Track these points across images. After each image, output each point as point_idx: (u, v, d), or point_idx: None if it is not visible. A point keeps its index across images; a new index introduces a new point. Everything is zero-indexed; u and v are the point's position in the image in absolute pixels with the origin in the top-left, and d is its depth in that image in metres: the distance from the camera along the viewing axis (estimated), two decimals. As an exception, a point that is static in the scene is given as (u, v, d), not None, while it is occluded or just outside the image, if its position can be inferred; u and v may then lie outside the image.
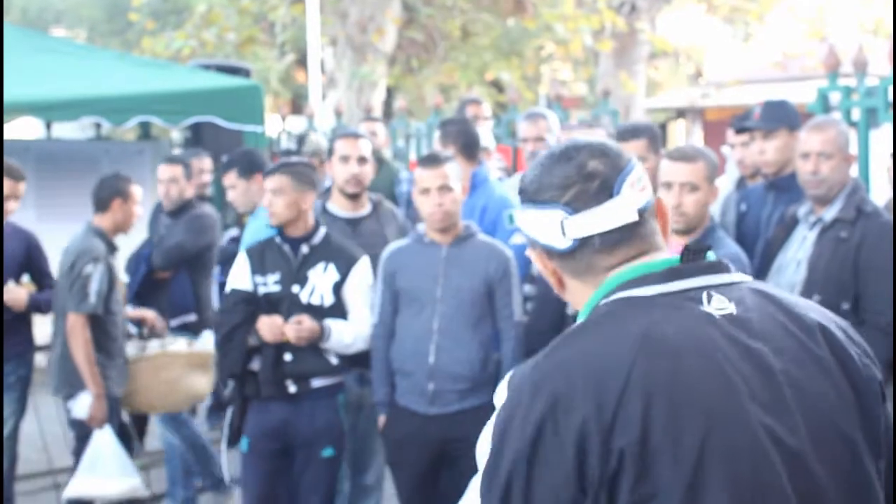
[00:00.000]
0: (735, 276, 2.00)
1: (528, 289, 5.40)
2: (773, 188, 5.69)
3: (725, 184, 6.78)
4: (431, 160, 5.14)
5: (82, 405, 6.10)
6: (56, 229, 8.61)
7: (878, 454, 1.98)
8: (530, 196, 2.06)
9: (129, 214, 6.36)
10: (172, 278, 7.10)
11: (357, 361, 5.43)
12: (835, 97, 6.56)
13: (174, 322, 7.05)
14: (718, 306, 1.92)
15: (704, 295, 1.93)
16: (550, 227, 2.02)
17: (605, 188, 1.99)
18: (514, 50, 17.83)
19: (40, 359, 7.55)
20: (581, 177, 1.99)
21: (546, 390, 1.85)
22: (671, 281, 1.95)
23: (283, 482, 5.49)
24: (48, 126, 11.25)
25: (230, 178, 6.64)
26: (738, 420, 1.81)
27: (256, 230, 6.02)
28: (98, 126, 10.64)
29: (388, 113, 18.47)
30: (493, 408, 5.14)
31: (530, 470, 1.83)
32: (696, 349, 1.85)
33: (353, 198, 5.88)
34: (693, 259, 1.97)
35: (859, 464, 1.93)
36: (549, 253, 2.06)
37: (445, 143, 6.10)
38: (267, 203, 5.34)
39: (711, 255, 2.01)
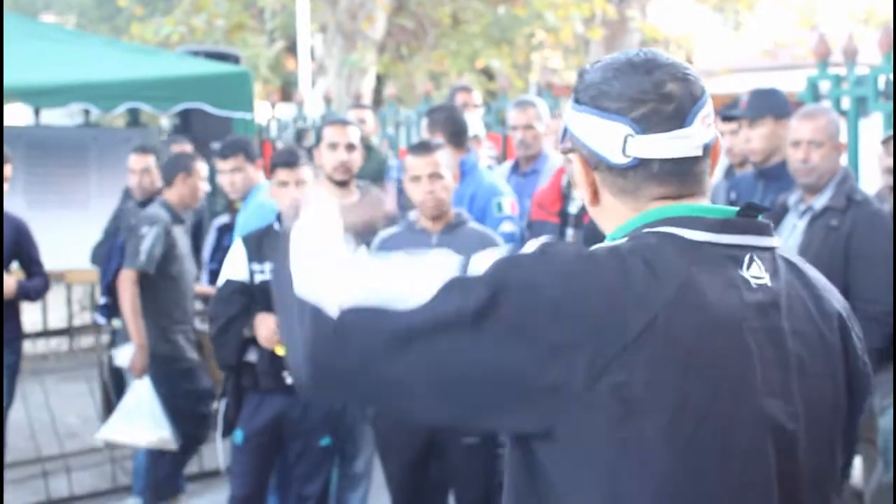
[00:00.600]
0: (774, 240, 1.92)
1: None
2: (763, 177, 5.69)
3: (715, 172, 6.78)
4: (422, 147, 5.13)
5: (125, 354, 6.38)
6: (45, 216, 8.59)
7: (846, 449, 1.99)
8: (591, 99, 1.90)
9: (194, 188, 6.63)
10: None
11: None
12: (824, 86, 6.56)
13: None
14: (756, 274, 1.85)
15: (747, 257, 1.86)
16: (610, 138, 1.88)
17: (678, 114, 1.86)
18: (504, 38, 17.79)
19: (28, 346, 7.55)
20: (657, 95, 1.86)
21: (572, 280, 1.75)
22: (722, 233, 1.85)
23: (271, 473, 5.50)
24: (37, 112, 11.21)
25: (232, 163, 6.55)
26: (745, 396, 1.78)
27: (258, 214, 6.00)
28: (87, 112, 10.61)
29: (377, 100, 18.43)
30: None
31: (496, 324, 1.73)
32: (727, 314, 1.79)
33: (342, 185, 5.86)
34: (750, 214, 1.89)
35: (833, 457, 1.93)
36: (596, 163, 1.92)
37: (433, 130, 6.09)
38: (293, 194, 5.30)
39: (762, 217, 1.93)
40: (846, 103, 6.43)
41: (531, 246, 1.85)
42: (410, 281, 1.81)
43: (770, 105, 5.70)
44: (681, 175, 1.89)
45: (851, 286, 4.81)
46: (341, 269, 1.90)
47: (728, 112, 6.25)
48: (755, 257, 1.87)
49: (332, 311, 1.80)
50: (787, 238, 5.04)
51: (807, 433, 1.86)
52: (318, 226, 2.11)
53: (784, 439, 1.82)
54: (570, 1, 16.32)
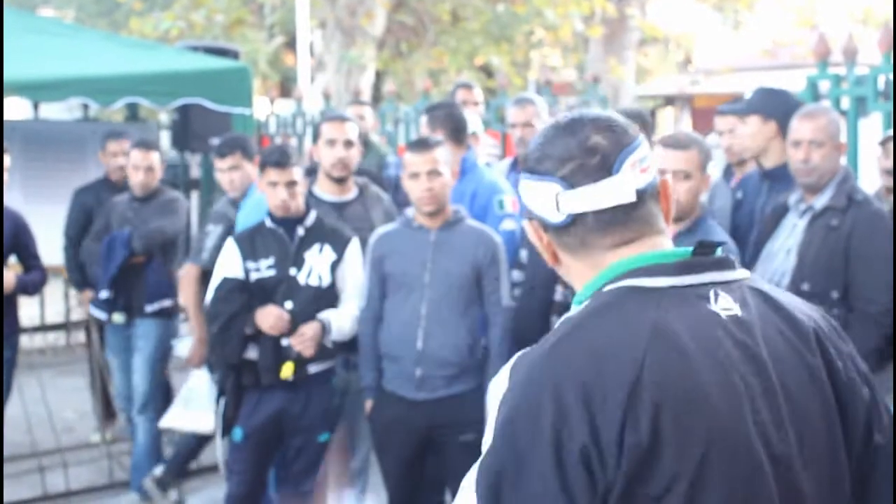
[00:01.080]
0: (738, 273, 1.96)
1: (516, 275, 5.39)
2: (768, 178, 5.69)
3: (713, 171, 6.77)
4: (421, 144, 5.12)
5: (185, 346, 6.66)
6: (42, 210, 8.58)
7: (851, 463, 1.95)
8: (530, 165, 2.00)
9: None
10: (146, 263, 7.05)
11: (343, 346, 5.42)
12: (824, 86, 6.55)
13: (150, 307, 7.01)
14: (725, 306, 1.88)
15: (712, 293, 1.88)
16: (546, 199, 1.96)
17: (604, 165, 1.92)
18: (503, 35, 17.78)
19: (25, 341, 7.53)
20: (581, 151, 1.93)
21: (554, 385, 1.77)
22: (682, 275, 1.89)
23: (270, 470, 5.50)
24: (35, 106, 11.19)
25: (230, 161, 6.50)
26: (739, 431, 1.78)
27: (257, 210, 5.99)
28: (85, 107, 10.59)
29: (376, 97, 18.43)
30: (479, 393, 5.15)
31: (531, 464, 1.76)
32: (705, 350, 1.80)
33: (340, 181, 5.86)
34: (704, 253, 1.93)
35: (839, 476, 1.92)
36: (544, 225, 2.00)
37: (433, 127, 6.07)
38: (289, 197, 5.30)
39: (720, 251, 1.96)
40: (846, 103, 6.42)
41: (500, 384, 1.88)
42: None
43: (761, 105, 5.69)
44: (621, 222, 1.94)
45: (851, 286, 4.81)
46: None
47: (724, 108, 6.27)
48: (719, 291, 1.90)
49: None
50: (787, 238, 5.03)
51: (802, 457, 1.85)
52: None
53: (780, 465, 1.82)
54: (570, -1, 16.32)
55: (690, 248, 1.93)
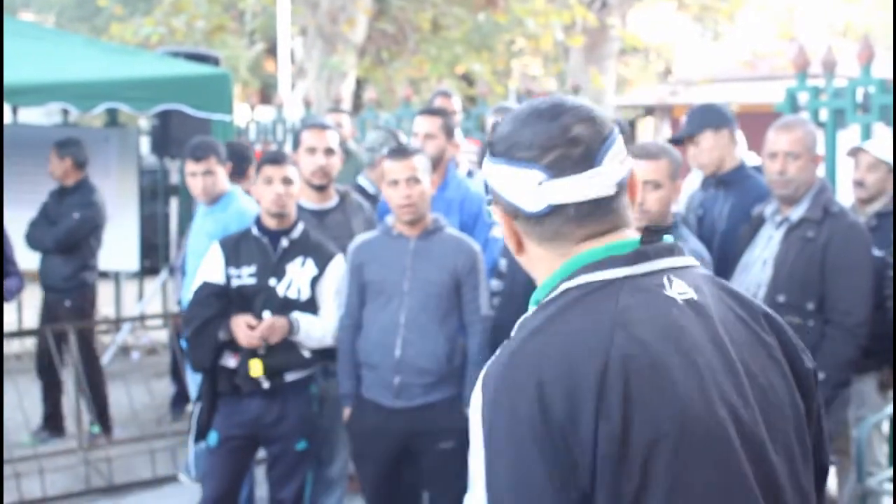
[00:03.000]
0: (689, 260, 1.97)
1: (495, 284, 5.40)
2: (721, 184, 5.72)
3: (693, 182, 6.79)
4: (400, 152, 5.13)
5: None
6: (21, 216, 8.55)
7: (804, 441, 1.97)
8: (504, 150, 1.95)
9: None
10: None
11: (321, 354, 5.42)
12: (803, 97, 6.60)
13: None
14: (680, 291, 1.89)
15: (665, 279, 1.90)
16: (523, 187, 1.91)
17: (587, 156, 1.90)
18: (484, 44, 17.79)
19: None
20: (564, 140, 1.90)
21: (525, 385, 1.78)
22: (637, 263, 1.89)
23: (245, 476, 5.49)
24: (14, 111, 11.16)
25: (204, 165, 6.43)
26: (708, 411, 1.79)
27: (238, 221, 5.99)
28: (65, 112, 10.57)
29: (357, 104, 18.43)
30: (458, 402, 5.16)
31: (526, 469, 1.76)
32: (666, 335, 1.82)
33: (320, 189, 5.86)
34: (653, 241, 1.93)
35: (805, 451, 1.95)
36: (515, 213, 1.96)
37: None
38: (285, 193, 5.29)
39: (668, 238, 1.97)
40: (824, 115, 6.46)
41: (476, 399, 1.89)
42: None
43: (705, 119, 5.73)
44: (599, 214, 1.93)
45: (827, 297, 4.84)
46: None
47: (672, 137, 6.23)
48: (672, 277, 1.91)
49: None
50: (764, 249, 5.06)
51: (770, 436, 1.87)
52: None
53: (752, 444, 1.83)
54: (551, 8, 16.35)
55: (639, 238, 1.93)
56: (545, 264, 1.98)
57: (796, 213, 5.01)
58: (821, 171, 5.86)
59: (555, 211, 1.91)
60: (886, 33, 21.99)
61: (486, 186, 2.02)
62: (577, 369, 1.77)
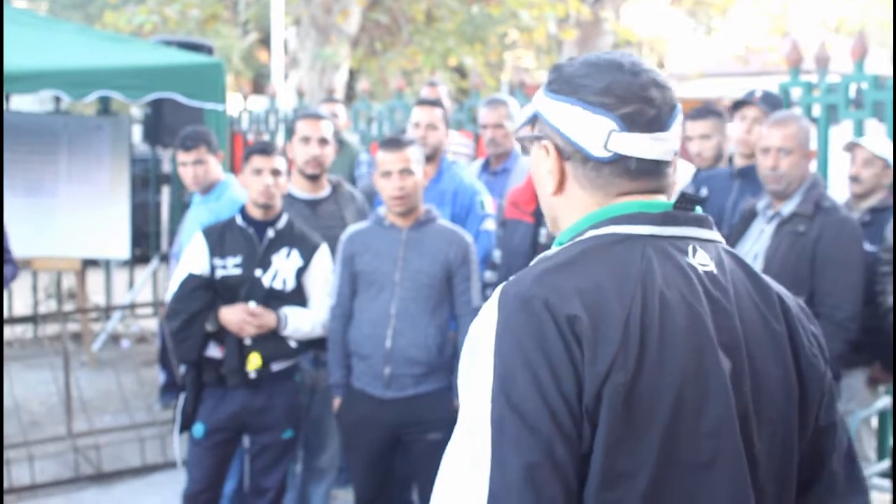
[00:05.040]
0: (715, 235, 2.00)
1: (489, 275, 5.41)
2: (741, 176, 5.73)
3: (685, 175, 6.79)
4: (394, 143, 5.12)
5: None
6: (12, 203, 8.54)
7: (804, 437, 2.00)
8: (573, 90, 1.95)
9: None
10: None
11: (312, 343, 5.42)
12: (796, 93, 6.60)
13: None
14: (701, 261, 1.93)
15: (690, 247, 1.93)
16: (593, 131, 1.92)
17: (658, 119, 1.92)
18: (478, 36, 17.78)
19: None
20: (641, 97, 1.92)
21: (553, 308, 1.79)
22: (664, 225, 1.92)
23: (229, 467, 5.49)
24: (6, 98, 11.13)
25: (195, 155, 6.45)
26: (711, 375, 1.84)
27: (231, 211, 5.97)
28: (57, 99, 10.54)
29: (350, 95, 18.41)
30: (448, 393, 5.15)
31: (538, 384, 1.77)
32: (681, 299, 1.86)
33: (313, 179, 5.86)
34: (686, 207, 1.96)
35: (789, 445, 1.96)
36: (571, 153, 1.97)
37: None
38: (273, 184, 5.29)
39: (699, 209, 2.00)
40: (817, 110, 6.47)
41: (489, 312, 1.88)
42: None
43: (772, 103, 5.86)
44: (653, 174, 1.96)
45: (817, 292, 4.86)
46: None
47: (744, 98, 6.14)
48: (697, 247, 1.94)
49: None
50: (755, 243, 5.07)
51: (757, 416, 1.90)
52: None
53: (741, 419, 1.87)
54: (545, 1, 16.34)
55: (673, 201, 1.96)
56: (580, 209, 1.98)
57: (788, 207, 5.02)
58: (814, 167, 5.87)
59: (618, 160, 1.93)
60: (879, 30, 22.02)
61: (535, 120, 2.02)
62: (605, 310, 1.80)
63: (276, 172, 5.28)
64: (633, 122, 1.91)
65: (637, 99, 1.91)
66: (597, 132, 1.92)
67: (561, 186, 2.00)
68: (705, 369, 1.83)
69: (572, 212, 2.00)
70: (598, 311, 1.80)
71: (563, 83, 1.97)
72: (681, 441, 1.80)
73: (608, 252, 1.88)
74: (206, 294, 5.21)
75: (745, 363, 1.90)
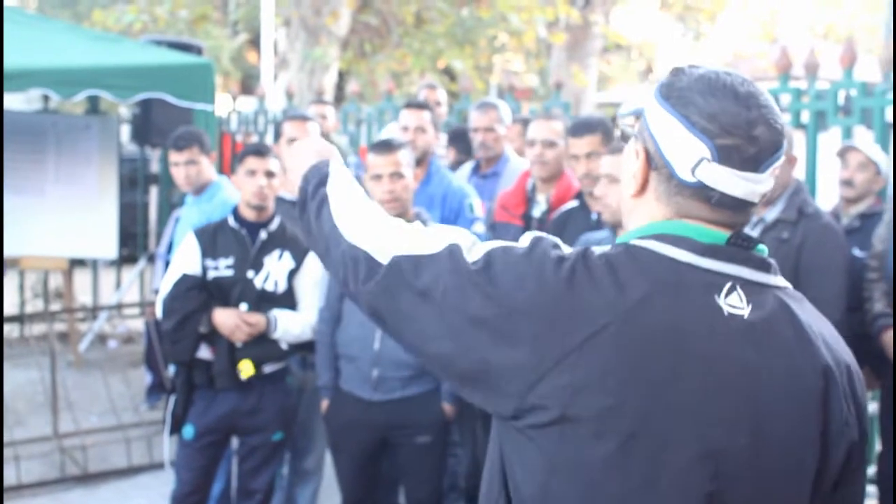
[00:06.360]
0: (774, 280, 1.92)
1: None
2: None
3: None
4: (384, 146, 5.11)
5: None
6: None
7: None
8: (682, 105, 1.88)
9: None
10: None
11: (300, 345, 5.42)
12: (785, 99, 6.62)
13: None
14: (733, 303, 1.85)
15: (728, 285, 1.85)
16: (686, 152, 1.86)
17: (756, 159, 1.85)
18: (467, 38, 17.79)
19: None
20: (745, 133, 1.84)
21: (542, 284, 1.86)
22: (705, 256, 1.86)
23: (218, 469, 5.49)
24: (-5, 96, 11.11)
25: (187, 155, 6.43)
26: (683, 419, 1.79)
27: (223, 212, 5.96)
28: (45, 98, 10.52)
29: (339, 97, 18.41)
30: (436, 395, 5.15)
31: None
32: (683, 336, 1.80)
33: (302, 181, 5.84)
34: (739, 244, 1.89)
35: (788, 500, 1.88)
36: (658, 165, 1.92)
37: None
38: (267, 185, 5.29)
39: (763, 250, 1.93)
40: (806, 117, 6.49)
41: (524, 240, 1.98)
42: (434, 236, 2.03)
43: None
44: (733, 211, 1.90)
45: (803, 298, 4.86)
46: (382, 224, 2.12)
47: None
48: (738, 287, 1.86)
49: (382, 258, 2.03)
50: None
51: (754, 470, 1.83)
52: (348, 180, 2.29)
53: (726, 471, 1.81)
54: (535, 4, 16.36)
55: (728, 235, 1.90)
56: (647, 217, 1.95)
57: (771, 213, 5.03)
58: (802, 173, 5.88)
59: (701, 188, 1.87)
60: (868, 36, 22.08)
61: (640, 117, 1.99)
62: (579, 317, 1.81)
63: (269, 174, 5.28)
64: (728, 156, 1.84)
65: (741, 134, 1.84)
66: (689, 155, 1.86)
67: (641, 192, 1.97)
68: (681, 411, 1.79)
69: (640, 218, 1.97)
70: (577, 315, 1.81)
71: (675, 92, 1.91)
72: (630, 469, 1.79)
73: (632, 264, 1.85)
74: (200, 295, 5.20)
75: (745, 415, 1.82)
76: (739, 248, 1.89)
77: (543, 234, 1.98)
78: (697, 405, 1.80)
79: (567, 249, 1.94)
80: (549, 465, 1.82)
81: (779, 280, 1.93)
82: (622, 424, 1.77)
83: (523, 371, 1.82)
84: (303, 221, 2.31)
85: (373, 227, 2.12)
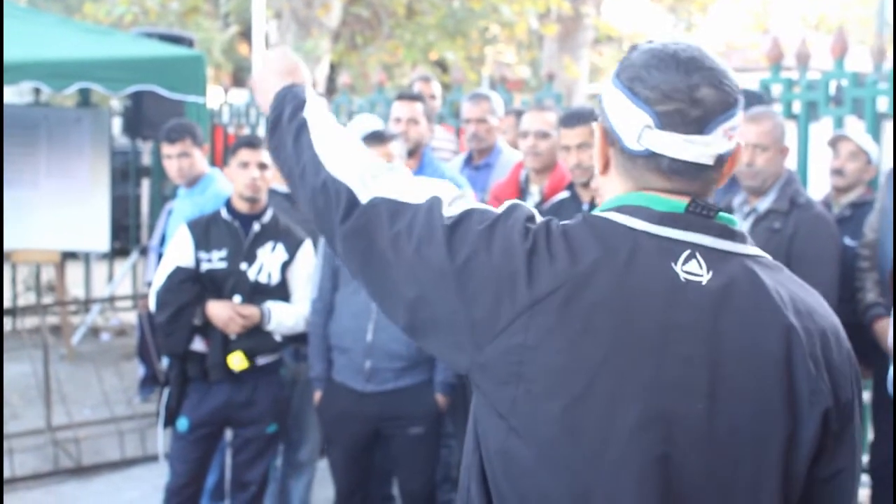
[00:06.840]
0: (741, 248, 1.92)
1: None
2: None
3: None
4: (376, 137, 5.11)
5: None
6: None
7: (790, 486, 1.88)
8: (628, 80, 1.92)
9: None
10: None
11: (292, 336, 5.42)
12: (776, 89, 6.63)
13: None
14: (691, 270, 1.86)
15: (686, 252, 1.87)
16: (630, 123, 1.90)
17: (700, 121, 1.87)
18: (459, 30, 17.76)
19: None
20: (687, 98, 1.86)
21: (508, 247, 1.90)
22: (662, 224, 1.88)
23: (212, 461, 5.49)
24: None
25: (179, 147, 6.43)
26: (631, 383, 1.80)
27: (215, 204, 5.95)
28: (37, 91, 10.50)
29: (331, 89, 18.39)
30: (429, 386, 5.16)
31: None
32: (636, 301, 1.82)
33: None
34: (698, 213, 1.90)
35: (751, 467, 1.84)
36: (612, 140, 1.96)
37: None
38: (259, 177, 5.29)
39: (731, 220, 1.94)
40: (797, 107, 6.50)
41: (503, 206, 2.00)
42: (419, 186, 2.08)
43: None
44: (687, 176, 1.91)
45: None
46: (366, 160, 2.17)
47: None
48: (697, 255, 1.88)
49: (363, 196, 2.07)
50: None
51: (711, 435, 1.81)
52: (324, 109, 2.32)
53: (678, 434, 1.80)
54: (526, -5, 16.35)
55: (686, 203, 1.91)
56: (612, 192, 1.99)
57: (763, 204, 5.04)
58: (793, 163, 5.89)
59: (651, 157, 1.90)
60: (859, 27, 22.10)
61: (599, 106, 2.02)
62: (545, 272, 1.85)
63: (262, 166, 5.29)
64: (670, 121, 1.87)
65: (681, 98, 1.87)
66: (633, 125, 1.90)
67: (605, 168, 2.02)
68: (630, 375, 1.80)
69: (608, 193, 2.01)
70: (533, 272, 1.86)
71: (626, 68, 1.94)
72: (580, 429, 1.82)
73: (590, 231, 1.89)
74: (193, 287, 5.20)
75: (702, 379, 1.81)
76: (699, 217, 1.90)
77: (521, 203, 2.00)
78: (646, 368, 1.81)
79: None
80: (507, 425, 1.86)
81: (748, 248, 1.94)
82: (571, 385, 1.81)
83: (479, 328, 1.87)
84: (274, 140, 2.32)
85: (356, 161, 2.15)
